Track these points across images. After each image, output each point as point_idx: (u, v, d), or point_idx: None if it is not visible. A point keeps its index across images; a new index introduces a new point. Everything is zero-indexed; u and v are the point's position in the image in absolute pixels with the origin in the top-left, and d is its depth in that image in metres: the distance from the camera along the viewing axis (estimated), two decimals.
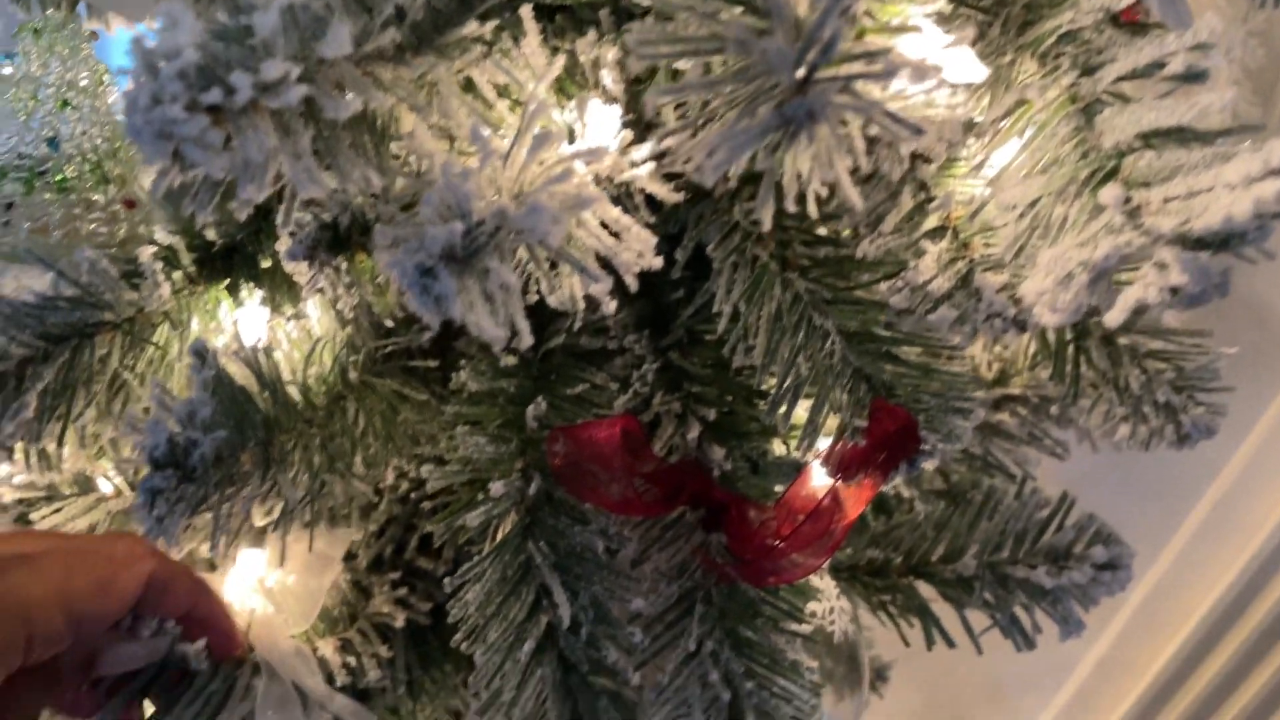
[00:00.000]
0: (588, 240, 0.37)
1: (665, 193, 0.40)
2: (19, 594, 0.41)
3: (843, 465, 0.44)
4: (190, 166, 0.34)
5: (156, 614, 0.49)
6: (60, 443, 0.43)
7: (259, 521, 0.47)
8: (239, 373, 0.42)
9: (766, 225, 0.31)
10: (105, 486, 0.59)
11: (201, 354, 0.40)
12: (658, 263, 0.38)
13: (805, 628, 0.49)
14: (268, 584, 0.56)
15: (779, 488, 0.50)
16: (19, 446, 0.52)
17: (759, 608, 0.48)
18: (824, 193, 0.34)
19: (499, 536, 0.48)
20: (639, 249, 0.37)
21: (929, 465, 0.44)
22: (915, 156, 0.40)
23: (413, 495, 0.58)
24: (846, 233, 0.48)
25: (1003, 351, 0.58)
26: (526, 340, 0.36)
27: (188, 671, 0.51)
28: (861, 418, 0.42)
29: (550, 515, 0.47)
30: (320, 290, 0.42)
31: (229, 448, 0.39)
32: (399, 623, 0.61)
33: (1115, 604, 1.24)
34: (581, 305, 0.39)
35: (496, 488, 0.46)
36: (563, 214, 0.34)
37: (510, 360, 0.50)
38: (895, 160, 0.36)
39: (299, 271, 0.41)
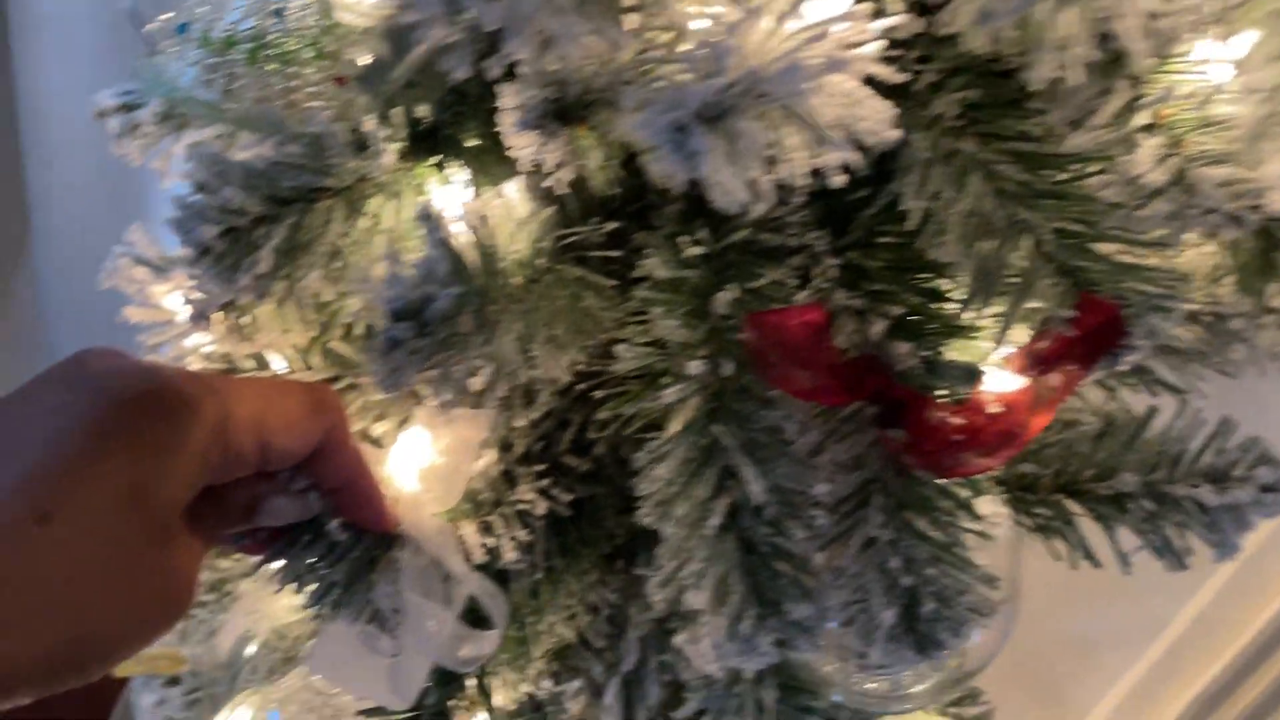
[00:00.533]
0: (825, 109, 0.37)
1: (890, 74, 0.40)
2: (221, 411, 0.44)
3: (1042, 359, 0.45)
4: (457, 22, 0.35)
5: (317, 473, 0.51)
6: (282, 303, 0.45)
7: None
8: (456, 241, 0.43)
9: (1037, 84, 0.31)
10: (279, 366, 0.62)
11: (429, 217, 0.42)
12: (894, 134, 0.38)
13: (977, 525, 0.50)
14: (418, 464, 0.58)
15: (953, 390, 0.51)
16: (217, 317, 0.54)
17: (935, 501, 0.49)
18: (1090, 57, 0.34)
19: (680, 422, 0.49)
20: (877, 120, 0.38)
21: (1129, 361, 0.44)
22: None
23: (578, 387, 0.59)
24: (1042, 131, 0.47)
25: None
26: (767, 202, 0.37)
27: (336, 541, 0.54)
28: (1066, 309, 0.42)
29: (735, 400, 0.48)
30: (537, 168, 0.43)
31: (457, 307, 0.41)
32: (539, 510, 0.63)
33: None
34: (804, 181, 0.39)
35: (693, 366, 0.47)
36: (817, 75, 0.35)
37: (694, 251, 0.51)
38: (1139, 36, 0.36)
39: (524, 142, 0.42)
